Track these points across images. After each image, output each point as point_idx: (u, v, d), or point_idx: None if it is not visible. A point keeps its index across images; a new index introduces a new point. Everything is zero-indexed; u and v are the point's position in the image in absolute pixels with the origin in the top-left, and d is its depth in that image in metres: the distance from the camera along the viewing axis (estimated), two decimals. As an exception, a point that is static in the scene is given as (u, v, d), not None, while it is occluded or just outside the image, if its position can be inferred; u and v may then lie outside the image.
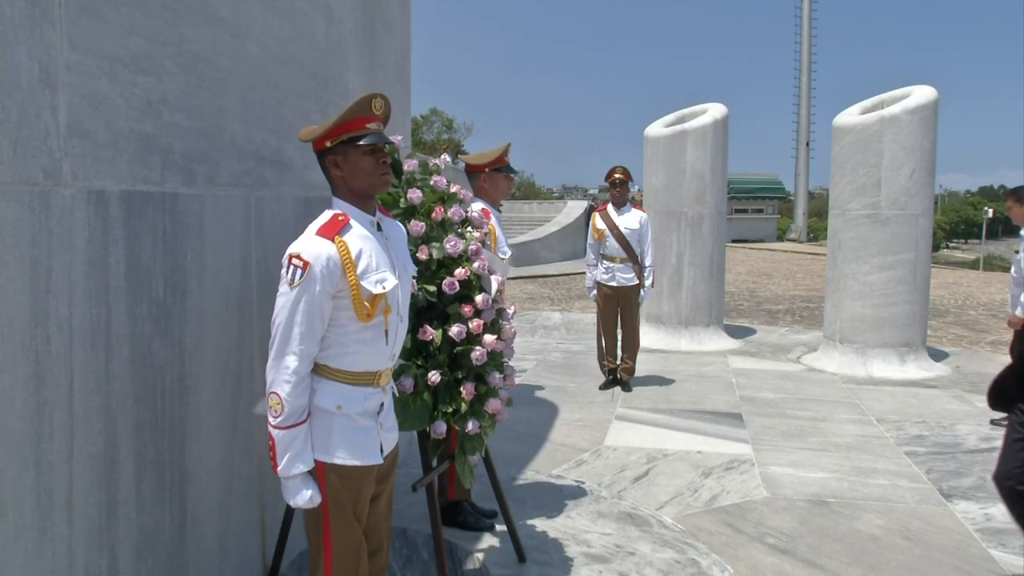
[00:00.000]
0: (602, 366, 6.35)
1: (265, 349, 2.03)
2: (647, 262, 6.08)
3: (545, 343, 8.35)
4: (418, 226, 2.66)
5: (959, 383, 6.58)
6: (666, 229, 8.07)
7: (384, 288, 2.00)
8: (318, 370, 2.01)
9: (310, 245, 1.93)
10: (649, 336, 7.99)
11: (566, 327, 9.44)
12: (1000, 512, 3.85)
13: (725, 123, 8.19)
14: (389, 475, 2.24)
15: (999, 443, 4.94)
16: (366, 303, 1.98)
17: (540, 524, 3.61)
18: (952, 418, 5.53)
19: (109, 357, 2.01)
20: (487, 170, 3.60)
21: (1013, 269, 5.47)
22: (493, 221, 3.46)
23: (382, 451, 2.13)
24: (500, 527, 3.48)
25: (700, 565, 3.24)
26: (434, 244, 2.70)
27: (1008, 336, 6.81)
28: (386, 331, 2.06)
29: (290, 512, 2.62)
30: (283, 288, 1.93)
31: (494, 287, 2.84)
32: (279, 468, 1.95)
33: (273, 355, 1.94)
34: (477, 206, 3.01)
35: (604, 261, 6.16)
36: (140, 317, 2.12)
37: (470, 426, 2.73)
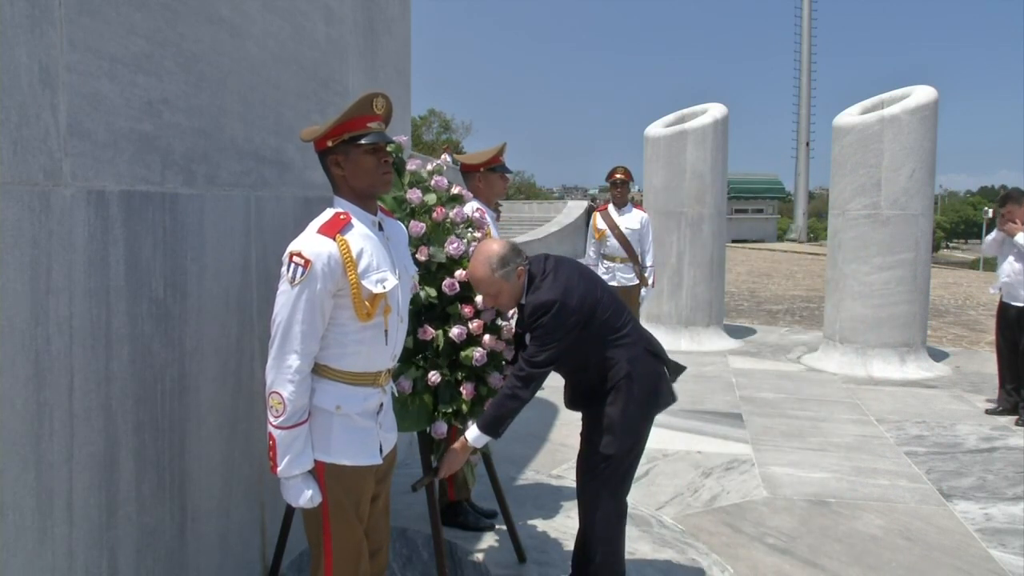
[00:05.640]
0: None
1: (265, 349, 2.03)
2: (648, 262, 6.08)
3: (545, 343, 8.33)
4: (418, 226, 2.66)
5: (959, 383, 6.58)
6: (666, 229, 8.06)
7: (384, 288, 2.00)
8: (317, 370, 2.01)
9: (311, 243, 1.93)
10: (649, 336, 7.98)
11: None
12: (1000, 512, 3.85)
13: (725, 123, 8.19)
14: (388, 475, 2.24)
15: (999, 443, 4.95)
16: (366, 302, 1.97)
17: (540, 524, 3.60)
18: (952, 418, 5.53)
19: (109, 357, 2.01)
20: (482, 170, 3.61)
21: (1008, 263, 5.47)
22: (488, 221, 3.46)
23: (381, 451, 2.13)
24: (500, 527, 3.48)
25: (700, 565, 3.24)
26: (435, 247, 2.69)
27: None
28: (386, 331, 2.06)
29: (290, 512, 2.62)
30: (283, 286, 1.92)
31: None
32: (279, 468, 1.94)
33: (274, 354, 1.93)
34: (473, 206, 3.01)
35: (604, 261, 6.16)
36: (140, 317, 2.11)
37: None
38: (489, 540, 3.41)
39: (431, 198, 2.74)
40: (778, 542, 3.50)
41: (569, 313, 2.54)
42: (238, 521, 2.65)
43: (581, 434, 2.80)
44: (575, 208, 25.65)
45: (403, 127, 4.35)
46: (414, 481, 2.66)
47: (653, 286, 6.28)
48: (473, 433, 2.56)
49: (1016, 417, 5.45)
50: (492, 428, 2.56)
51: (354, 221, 2.01)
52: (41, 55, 1.77)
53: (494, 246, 2.61)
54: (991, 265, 6.01)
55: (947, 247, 67.80)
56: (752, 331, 9.16)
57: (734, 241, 30.07)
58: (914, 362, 6.94)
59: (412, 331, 2.62)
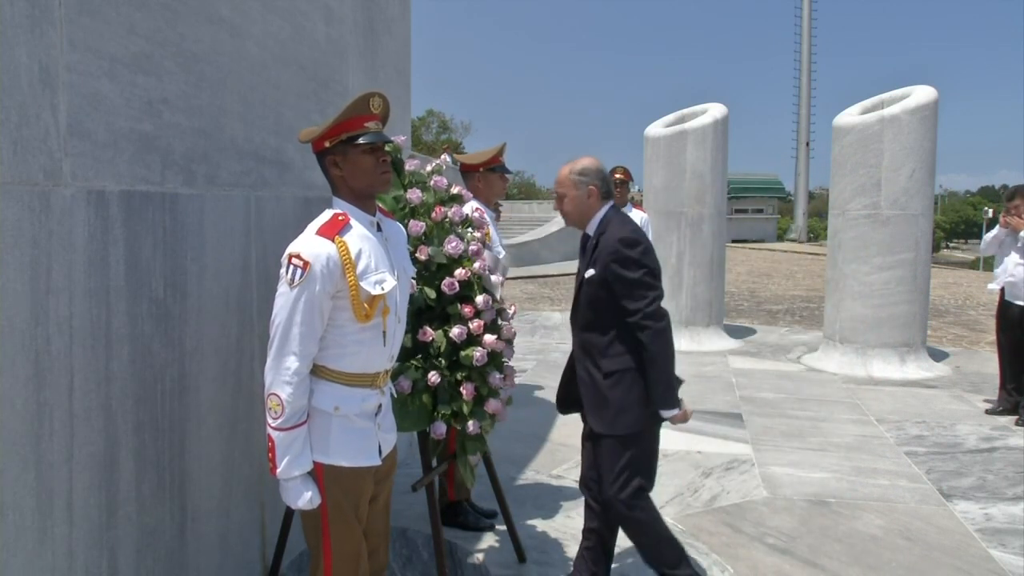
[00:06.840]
0: None
1: (265, 349, 2.03)
2: (647, 262, 6.08)
3: (545, 343, 8.35)
4: (418, 226, 2.66)
5: (959, 383, 6.58)
6: (666, 229, 8.07)
7: (383, 289, 2.00)
8: (316, 371, 2.01)
9: (310, 245, 1.93)
10: (649, 336, 7.98)
11: (566, 327, 9.43)
12: (1000, 512, 3.85)
13: (725, 123, 8.19)
14: (388, 476, 2.24)
15: (999, 443, 4.95)
16: (365, 304, 1.97)
17: (540, 524, 3.60)
18: (952, 418, 5.53)
19: (109, 357, 2.01)
20: (482, 170, 3.61)
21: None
22: (487, 220, 3.47)
23: (380, 452, 2.13)
24: (500, 527, 3.48)
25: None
26: (435, 248, 2.69)
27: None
28: (384, 332, 2.06)
29: (290, 512, 2.62)
30: (282, 288, 1.93)
31: (497, 287, 2.85)
32: (278, 470, 1.94)
33: (272, 356, 1.93)
34: (472, 205, 3.02)
35: (604, 261, 6.15)
36: (140, 317, 2.12)
37: (471, 427, 2.73)
38: (489, 540, 3.41)
39: (430, 197, 2.74)
40: (778, 542, 3.50)
41: (651, 256, 2.59)
42: (238, 521, 2.65)
43: (587, 435, 2.77)
44: (575, 208, 25.58)
45: (403, 127, 4.36)
46: (414, 481, 2.66)
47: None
48: (666, 406, 2.57)
49: (1016, 417, 5.44)
50: (672, 381, 2.57)
51: (353, 222, 2.01)
52: (41, 55, 1.78)
53: (586, 159, 2.73)
54: (991, 265, 5.98)
55: (947, 247, 67.85)
56: (752, 331, 9.16)
57: (734, 241, 30.07)
58: (914, 362, 6.94)
59: (411, 331, 2.63)
